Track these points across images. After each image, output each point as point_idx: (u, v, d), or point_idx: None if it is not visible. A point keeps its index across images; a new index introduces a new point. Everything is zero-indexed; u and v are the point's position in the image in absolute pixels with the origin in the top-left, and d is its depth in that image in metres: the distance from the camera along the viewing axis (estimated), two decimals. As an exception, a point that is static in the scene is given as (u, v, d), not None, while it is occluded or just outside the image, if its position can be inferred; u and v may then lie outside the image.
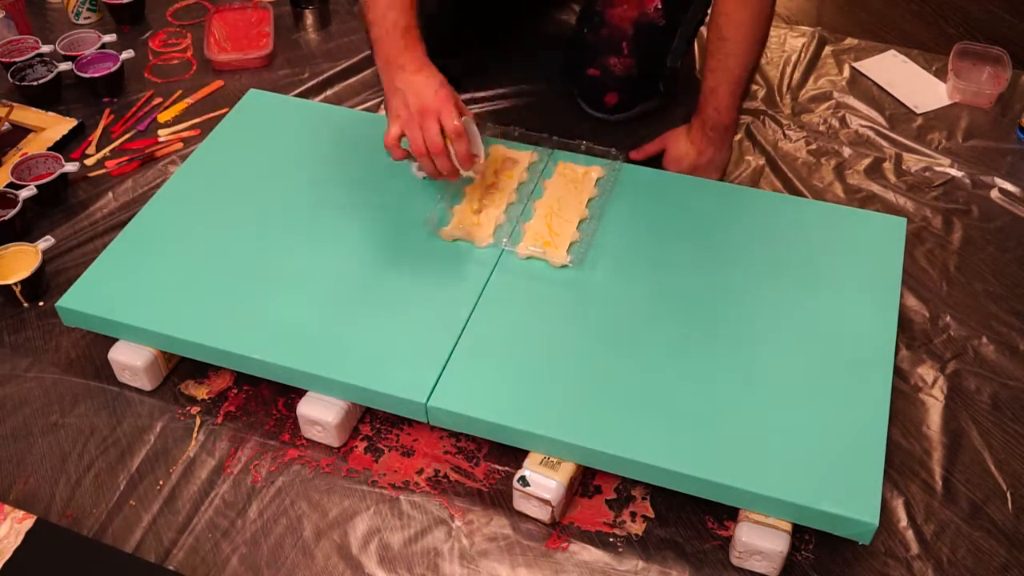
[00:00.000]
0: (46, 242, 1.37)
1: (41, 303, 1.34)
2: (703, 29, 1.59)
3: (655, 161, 1.45)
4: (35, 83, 1.64)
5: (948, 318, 1.30)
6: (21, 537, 1.07)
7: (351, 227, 1.29)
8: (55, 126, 1.61)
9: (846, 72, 1.73)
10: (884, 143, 1.58)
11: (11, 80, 1.65)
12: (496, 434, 1.09)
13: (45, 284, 1.35)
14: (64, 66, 1.67)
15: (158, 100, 1.70)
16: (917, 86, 1.67)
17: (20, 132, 1.61)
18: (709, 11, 1.56)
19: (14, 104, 1.65)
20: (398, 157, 1.22)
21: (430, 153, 1.18)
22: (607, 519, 1.09)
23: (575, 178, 1.34)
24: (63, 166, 1.48)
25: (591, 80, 1.56)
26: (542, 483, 1.05)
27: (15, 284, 1.30)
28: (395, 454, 1.16)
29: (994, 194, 1.49)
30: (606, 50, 1.53)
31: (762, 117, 1.63)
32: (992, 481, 1.12)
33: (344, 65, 1.76)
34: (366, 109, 1.65)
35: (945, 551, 1.06)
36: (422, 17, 1.23)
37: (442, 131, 1.17)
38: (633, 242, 1.26)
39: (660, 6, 1.48)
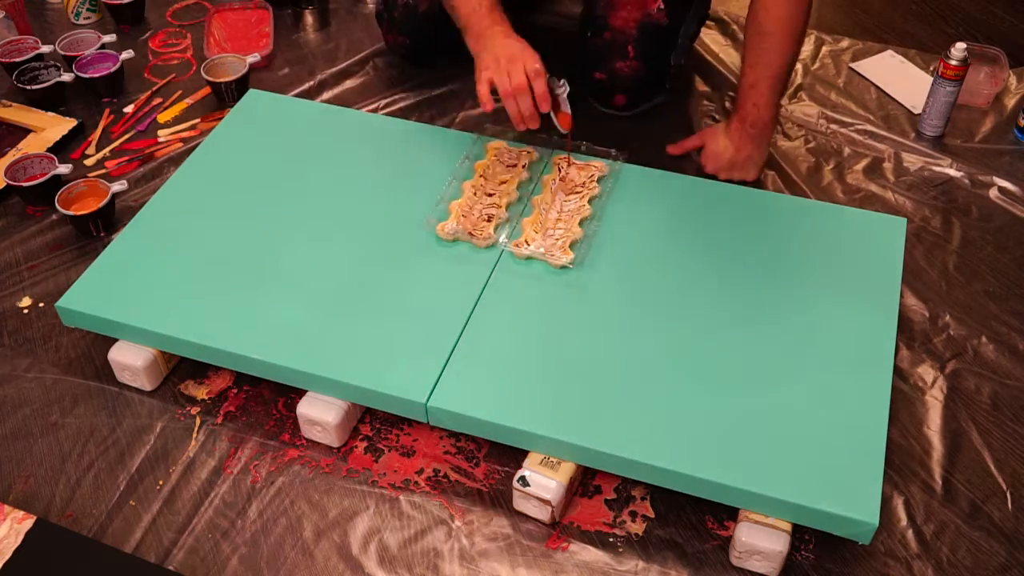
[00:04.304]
0: (253, 58, 1.67)
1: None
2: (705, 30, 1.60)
3: (654, 161, 1.45)
4: (38, 87, 1.64)
5: (948, 318, 1.30)
6: (21, 537, 1.07)
7: (351, 227, 1.29)
8: (55, 126, 1.61)
9: (844, 72, 1.73)
10: (883, 143, 1.58)
11: (15, 83, 1.64)
12: (496, 434, 1.09)
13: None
14: (67, 77, 1.66)
15: (158, 100, 1.70)
16: (914, 86, 1.67)
17: (20, 132, 1.61)
18: (708, 7, 1.56)
19: (13, 103, 1.65)
20: (488, 109, 1.30)
21: (514, 93, 1.25)
22: (607, 519, 1.09)
23: (575, 175, 1.34)
24: (56, 167, 1.48)
25: (599, 83, 1.57)
26: (542, 483, 1.05)
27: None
28: (395, 454, 1.16)
29: (993, 193, 1.49)
30: (612, 54, 1.53)
31: (762, 117, 1.63)
32: (992, 481, 1.13)
33: (344, 65, 1.76)
34: (366, 109, 1.65)
35: (945, 551, 1.06)
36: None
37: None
38: (633, 242, 1.26)
39: (663, 5, 1.49)
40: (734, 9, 1.90)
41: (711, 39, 1.81)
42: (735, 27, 1.83)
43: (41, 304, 1.34)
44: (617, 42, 1.52)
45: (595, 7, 1.54)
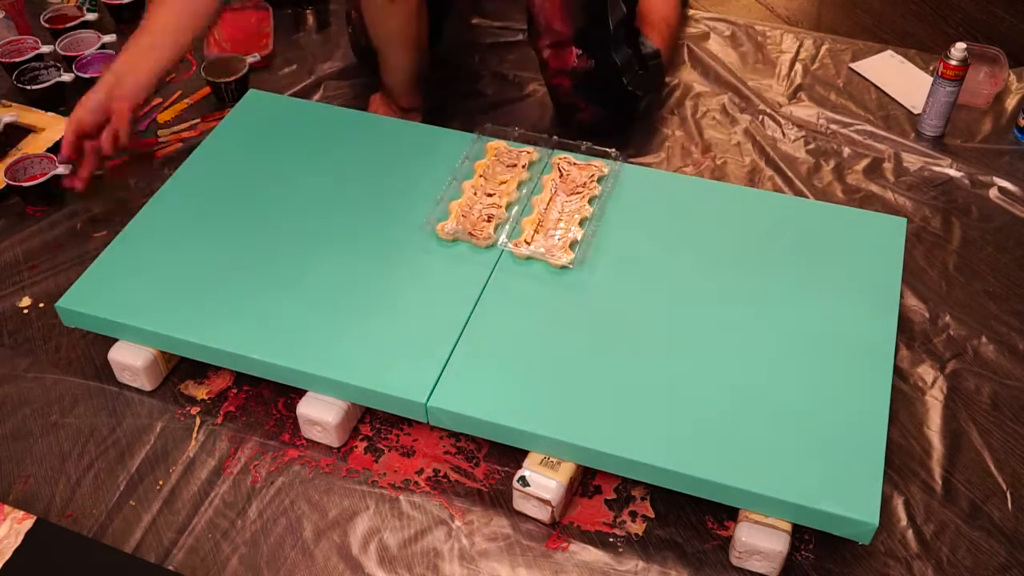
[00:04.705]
0: (253, 58, 1.72)
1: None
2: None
3: (654, 161, 1.45)
4: (38, 87, 1.64)
5: (948, 318, 1.30)
6: (21, 537, 1.07)
7: (351, 227, 1.29)
8: (55, 126, 1.61)
9: (844, 73, 1.73)
10: (883, 144, 1.58)
11: (15, 83, 1.64)
12: (496, 434, 1.09)
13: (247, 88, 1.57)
14: (67, 77, 1.66)
15: (158, 100, 1.70)
16: (914, 86, 1.68)
17: (20, 132, 1.61)
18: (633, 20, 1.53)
19: (13, 104, 1.65)
20: None
21: None
22: (607, 519, 1.09)
23: (575, 175, 1.34)
24: (56, 167, 1.48)
25: (581, 123, 1.57)
26: (542, 483, 1.05)
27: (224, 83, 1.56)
28: (395, 454, 1.16)
29: (992, 193, 1.49)
30: (569, 110, 1.56)
31: (761, 118, 1.63)
32: (992, 481, 1.13)
33: (344, 65, 1.76)
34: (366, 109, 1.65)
35: (945, 551, 1.06)
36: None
37: None
38: (633, 242, 1.26)
39: (580, 51, 1.48)
40: (734, 11, 1.90)
41: (711, 40, 1.81)
42: (735, 28, 1.83)
43: (41, 304, 1.34)
44: (564, 102, 1.55)
45: (541, 71, 1.56)
